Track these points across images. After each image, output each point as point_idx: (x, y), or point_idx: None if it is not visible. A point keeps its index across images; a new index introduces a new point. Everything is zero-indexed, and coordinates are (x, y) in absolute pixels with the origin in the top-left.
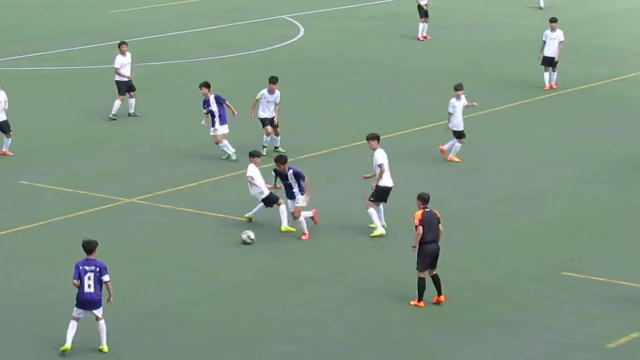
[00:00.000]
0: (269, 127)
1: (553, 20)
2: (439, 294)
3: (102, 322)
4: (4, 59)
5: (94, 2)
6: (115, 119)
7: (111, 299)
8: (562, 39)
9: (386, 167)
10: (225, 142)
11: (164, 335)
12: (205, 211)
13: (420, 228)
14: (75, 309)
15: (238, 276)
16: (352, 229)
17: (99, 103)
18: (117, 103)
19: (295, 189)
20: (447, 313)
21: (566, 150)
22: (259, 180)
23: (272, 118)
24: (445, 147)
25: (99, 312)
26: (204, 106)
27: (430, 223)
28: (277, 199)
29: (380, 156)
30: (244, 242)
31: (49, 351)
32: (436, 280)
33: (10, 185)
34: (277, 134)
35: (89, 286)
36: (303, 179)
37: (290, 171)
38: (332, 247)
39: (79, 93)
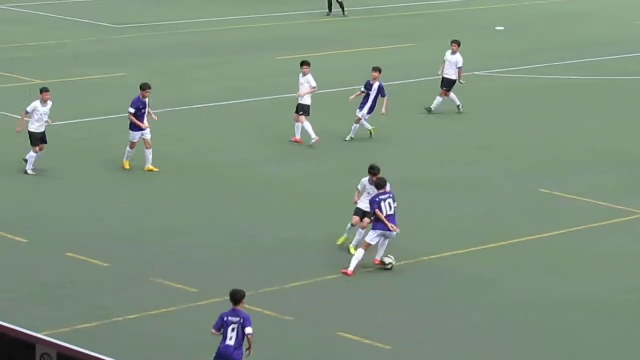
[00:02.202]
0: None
1: None
2: None
3: None
4: (533, 66)
5: (624, 13)
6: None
7: (251, 350)
8: None
9: None
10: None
11: None
12: None
13: None
14: None
15: None
16: None
17: (619, 113)
18: (437, 99)
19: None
20: None
21: None
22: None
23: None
24: None
25: None
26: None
27: None
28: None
29: None
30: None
31: None
32: None
33: (530, 193)
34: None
35: (231, 339)
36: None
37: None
38: None
39: (601, 103)
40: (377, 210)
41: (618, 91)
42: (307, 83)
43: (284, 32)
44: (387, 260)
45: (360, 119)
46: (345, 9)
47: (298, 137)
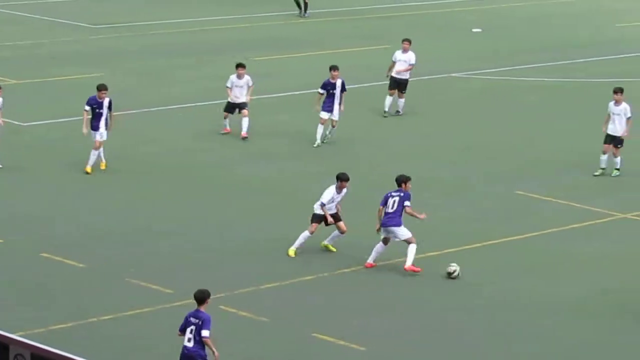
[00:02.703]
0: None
1: None
2: None
3: None
4: (510, 67)
5: (603, 15)
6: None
7: (216, 354)
8: None
9: None
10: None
11: None
12: None
13: None
14: None
15: None
16: None
17: (595, 115)
18: (387, 99)
19: None
20: None
21: None
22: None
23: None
24: None
25: None
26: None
27: None
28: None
29: None
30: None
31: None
32: None
33: (506, 195)
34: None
35: (189, 340)
36: None
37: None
38: None
39: (578, 105)
40: (381, 207)
41: (594, 93)
42: (246, 85)
43: (259, 33)
44: (451, 269)
45: (336, 121)
46: (308, 10)
47: (229, 128)
